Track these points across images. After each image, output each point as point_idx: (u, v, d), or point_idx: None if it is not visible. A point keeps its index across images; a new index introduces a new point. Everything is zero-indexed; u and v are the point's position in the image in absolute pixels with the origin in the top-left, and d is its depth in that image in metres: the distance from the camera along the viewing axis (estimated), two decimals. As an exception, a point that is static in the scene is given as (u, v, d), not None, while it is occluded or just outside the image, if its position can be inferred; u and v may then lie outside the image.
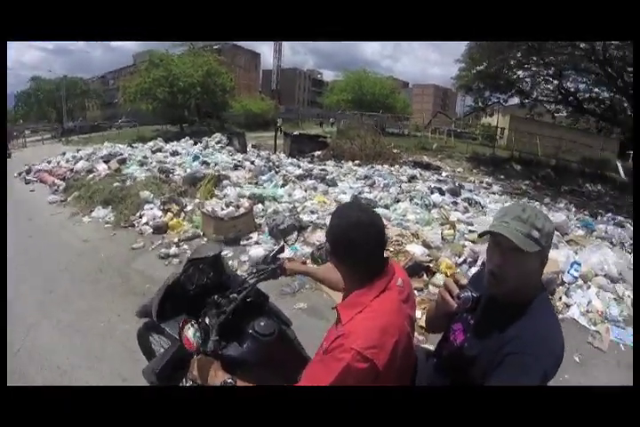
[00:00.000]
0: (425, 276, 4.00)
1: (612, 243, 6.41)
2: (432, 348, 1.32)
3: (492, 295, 1.09)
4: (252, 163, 9.73)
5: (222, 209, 5.10)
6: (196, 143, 13.43)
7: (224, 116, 29.54)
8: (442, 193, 7.76)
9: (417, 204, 6.73)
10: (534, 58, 12.30)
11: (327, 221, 5.13)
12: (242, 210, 5.13)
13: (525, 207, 1.04)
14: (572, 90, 14.23)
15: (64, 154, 12.05)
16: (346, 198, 6.62)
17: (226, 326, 1.29)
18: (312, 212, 5.51)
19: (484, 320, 1.09)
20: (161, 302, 1.51)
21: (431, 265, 4.07)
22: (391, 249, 4.49)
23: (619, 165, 18.99)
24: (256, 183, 7.53)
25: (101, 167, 8.58)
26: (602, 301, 4.25)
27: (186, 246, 4.80)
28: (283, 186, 7.31)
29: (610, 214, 9.67)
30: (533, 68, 13.51)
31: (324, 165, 11.23)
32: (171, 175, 7.68)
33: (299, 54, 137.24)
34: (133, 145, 13.35)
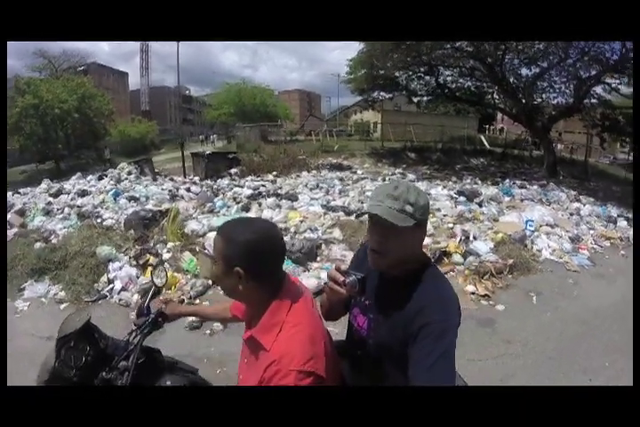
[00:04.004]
0: (445, 259, 4.86)
1: (532, 200, 8.20)
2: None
3: (380, 272, 1.13)
4: (188, 190, 9.16)
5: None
6: (101, 178, 11.99)
7: (100, 145, 26.51)
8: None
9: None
10: (409, 58, 13.71)
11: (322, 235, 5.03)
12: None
13: (398, 185, 1.06)
14: (442, 82, 16.58)
15: None
16: (318, 209, 6.70)
17: None
18: (310, 229, 5.42)
19: (378, 298, 1.12)
20: None
21: (446, 249, 4.96)
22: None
23: (483, 138, 22.98)
24: (211, 211, 6.90)
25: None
26: (555, 242, 5.73)
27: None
28: (244, 209, 6.92)
29: (507, 180, 11.49)
30: (409, 67, 15.18)
31: (250, 181, 10.90)
32: (99, 220, 6.35)
33: (157, 71, 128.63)
34: (20, 191, 11.01)
